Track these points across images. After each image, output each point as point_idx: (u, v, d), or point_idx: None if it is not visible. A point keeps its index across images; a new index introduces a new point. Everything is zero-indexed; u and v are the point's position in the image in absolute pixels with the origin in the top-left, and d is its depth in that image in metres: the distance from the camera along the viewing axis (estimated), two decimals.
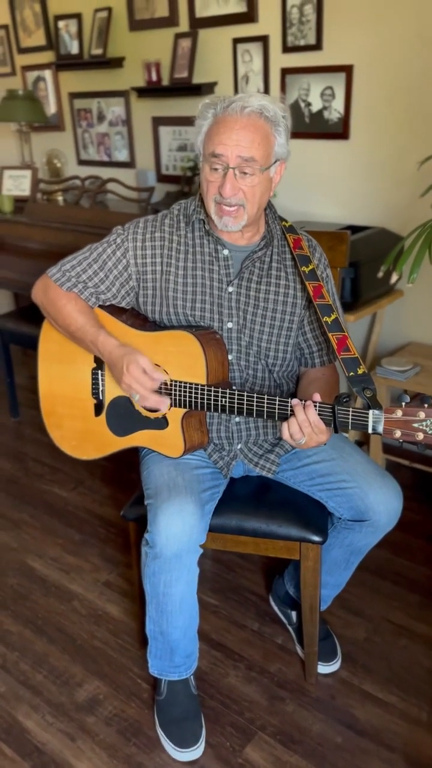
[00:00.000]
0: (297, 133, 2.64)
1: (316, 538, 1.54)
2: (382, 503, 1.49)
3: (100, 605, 2.02)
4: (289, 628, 1.89)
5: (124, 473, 2.70)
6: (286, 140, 1.44)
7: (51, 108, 3.59)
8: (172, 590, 1.48)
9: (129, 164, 3.34)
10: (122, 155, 3.36)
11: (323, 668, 1.75)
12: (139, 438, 1.58)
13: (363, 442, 2.74)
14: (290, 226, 1.57)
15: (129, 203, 3.00)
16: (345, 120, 2.48)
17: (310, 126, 2.59)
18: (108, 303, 1.58)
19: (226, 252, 1.52)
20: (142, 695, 1.71)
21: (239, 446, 1.61)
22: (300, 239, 1.55)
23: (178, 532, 1.39)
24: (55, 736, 1.61)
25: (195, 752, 1.56)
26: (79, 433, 1.68)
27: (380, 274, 1.66)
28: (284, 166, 1.50)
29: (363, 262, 2.20)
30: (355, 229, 2.46)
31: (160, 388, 1.47)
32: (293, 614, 1.88)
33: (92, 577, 2.14)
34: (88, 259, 1.55)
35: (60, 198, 3.30)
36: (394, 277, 1.59)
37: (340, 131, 2.51)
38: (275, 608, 1.96)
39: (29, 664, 1.81)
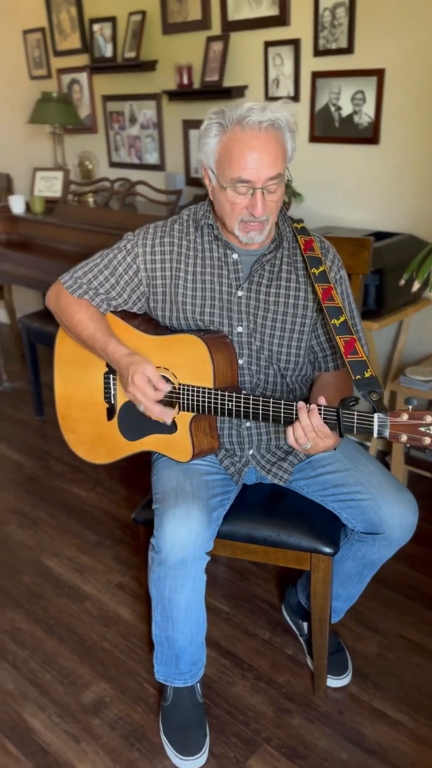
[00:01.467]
0: (326, 137, 2.61)
1: (327, 550, 1.51)
2: (396, 517, 1.46)
3: (112, 607, 2.02)
4: (300, 639, 1.86)
5: (142, 475, 2.70)
6: (294, 142, 1.42)
7: (85, 110, 3.62)
8: (177, 596, 1.47)
9: (159, 167, 3.35)
10: (152, 158, 3.37)
11: (333, 682, 1.72)
12: (149, 442, 1.57)
13: (387, 452, 2.69)
14: (302, 228, 1.55)
15: (157, 206, 3.01)
16: (375, 125, 2.45)
17: (340, 130, 2.56)
18: (120, 308, 1.58)
19: (235, 256, 1.50)
20: (149, 700, 1.71)
21: (251, 452, 1.60)
22: (312, 241, 1.52)
23: (183, 538, 1.38)
24: (60, 737, 1.61)
25: (198, 761, 1.54)
26: (92, 437, 1.68)
27: (402, 282, 1.62)
28: None
29: (388, 269, 2.17)
30: (382, 235, 2.42)
31: (170, 393, 1.47)
32: (305, 625, 1.85)
33: (105, 578, 2.15)
34: (99, 265, 1.55)
35: (90, 200, 3.33)
36: (416, 285, 1.55)
37: (370, 136, 2.48)
38: (287, 618, 1.93)
39: (38, 663, 1.82)
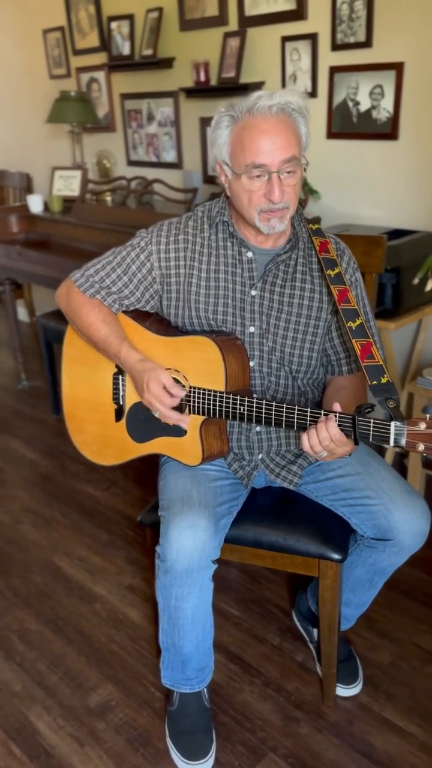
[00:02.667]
0: (344, 133, 2.57)
1: (336, 556, 1.48)
2: (406, 523, 1.42)
3: (122, 609, 2.01)
4: (310, 646, 1.83)
5: (156, 476, 2.67)
6: (307, 127, 1.38)
7: (103, 109, 3.61)
8: (183, 604, 1.44)
9: (176, 165, 3.33)
10: (170, 156, 3.35)
11: (342, 691, 1.68)
12: (158, 445, 1.55)
13: (405, 455, 2.64)
14: (317, 229, 1.51)
15: (174, 204, 2.98)
16: (394, 120, 2.39)
17: (357, 126, 2.51)
18: (132, 308, 1.56)
19: (250, 254, 1.47)
20: (155, 705, 1.69)
21: (260, 456, 1.57)
22: (327, 242, 1.48)
23: (188, 547, 1.36)
24: (64, 740, 1.60)
25: (204, 765, 1.52)
26: (100, 438, 1.66)
27: (416, 281, 1.57)
28: None
29: (406, 268, 2.11)
30: (400, 233, 2.37)
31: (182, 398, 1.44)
32: (315, 632, 1.81)
33: (116, 579, 2.13)
34: (111, 263, 1.53)
35: (108, 198, 3.32)
36: (429, 285, 1.50)
37: (388, 131, 2.42)
38: (297, 624, 1.90)
39: (46, 664, 1.81)
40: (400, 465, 2.62)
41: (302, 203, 2.65)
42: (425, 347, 2.53)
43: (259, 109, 1.31)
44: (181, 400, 1.45)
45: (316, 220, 2.67)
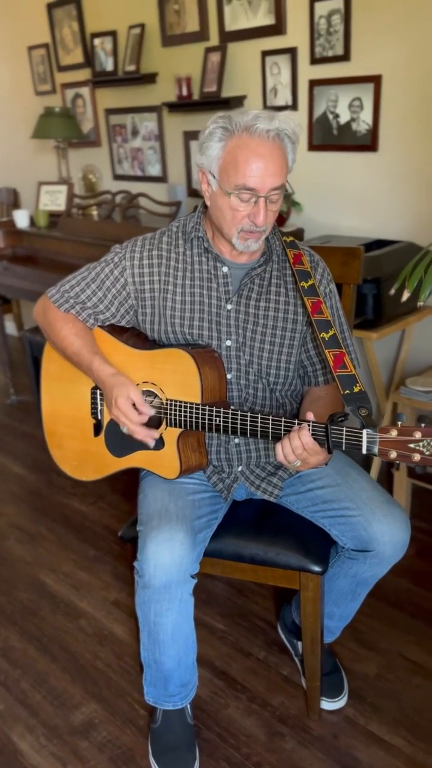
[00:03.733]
0: (325, 145, 2.58)
1: (316, 569, 1.47)
2: (386, 534, 1.41)
3: (107, 625, 1.99)
4: (296, 659, 1.81)
5: None
6: (295, 153, 1.39)
7: (88, 124, 3.63)
8: (163, 620, 1.43)
9: (161, 179, 3.35)
10: (155, 170, 3.37)
11: (327, 704, 1.67)
12: (137, 459, 1.55)
13: (391, 464, 2.63)
14: (291, 242, 1.52)
15: (159, 218, 3.00)
16: (373, 132, 2.41)
17: (338, 138, 2.53)
18: (108, 322, 1.56)
19: (225, 269, 1.48)
20: (138, 722, 1.67)
21: (240, 468, 1.56)
22: (301, 254, 1.49)
23: (166, 562, 1.35)
24: (47, 759, 1.58)
25: None
26: (79, 453, 1.66)
27: (392, 292, 1.58)
28: None
29: (386, 278, 2.12)
30: (382, 243, 2.38)
31: (157, 409, 1.44)
32: (299, 645, 1.80)
33: (102, 595, 2.12)
34: (86, 278, 1.53)
35: (94, 213, 3.33)
36: (405, 295, 1.51)
37: (368, 143, 2.44)
38: (282, 637, 1.88)
39: (30, 683, 1.79)
40: (387, 475, 2.61)
41: (285, 215, 2.66)
42: (409, 357, 2.54)
43: (257, 130, 1.30)
44: (159, 412, 1.45)
45: (299, 231, 2.69)
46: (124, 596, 2.10)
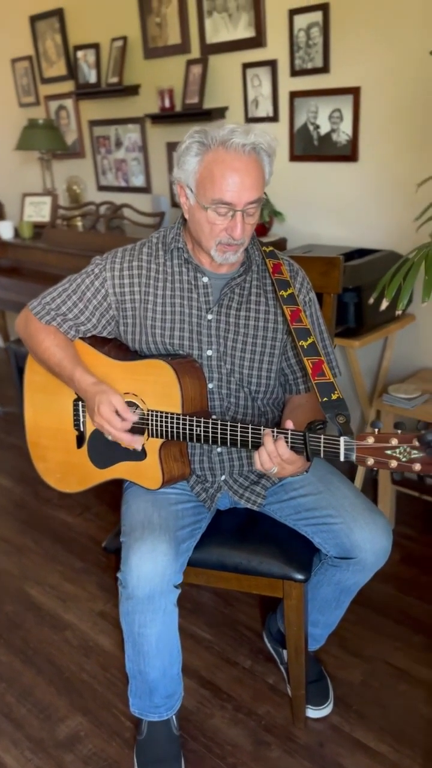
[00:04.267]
0: (306, 155, 2.61)
1: (299, 576, 1.47)
2: (368, 541, 1.42)
3: (93, 636, 1.99)
4: (281, 668, 1.82)
5: None
6: (272, 166, 1.40)
7: (72, 135, 3.65)
8: (147, 631, 1.43)
9: (145, 189, 3.37)
10: (139, 180, 3.39)
11: (313, 712, 1.67)
12: (119, 470, 1.55)
13: (376, 470, 2.65)
14: (271, 251, 1.53)
15: (143, 228, 3.01)
16: (353, 142, 2.44)
17: (318, 149, 2.56)
18: (89, 334, 1.56)
19: (205, 279, 1.49)
20: (124, 734, 1.66)
21: (223, 477, 1.57)
22: (280, 264, 1.51)
23: (149, 572, 1.35)
24: None
25: None
26: (63, 465, 1.66)
27: (371, 301, 1.60)
28: None
29: (367, 287, 2.14)
30: (363, 252, 2.40)
31: (139, 419, 1.45)
32: (285, 653, 1.80)
33: (88, 606, 2.11)
34: (67, 290, 1.54)
35: (79, 224, 3.34)
36: (384, 304, 1.53)
37: (348, 153, 2.47)
38: (268, 646, 1.89)
39: (15, 696, 1.79)
40: (373, 481, 2.63)
41: (267, 225, 2.69)
42: (392, 364, 2.56)
43: (233, 145, 1.31)
44: (141, 423, 1.45)
45: (282, 241, 2.71)
46: (111, 607, 2.10)
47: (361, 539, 1.42)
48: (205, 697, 1.76)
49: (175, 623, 1.47)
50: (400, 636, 1.92)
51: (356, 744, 1.60)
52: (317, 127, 2.53)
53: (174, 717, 1.58)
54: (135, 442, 1.43)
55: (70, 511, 2.64)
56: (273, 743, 1.61)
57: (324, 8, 2.35)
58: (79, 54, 3.38)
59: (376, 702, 1.71)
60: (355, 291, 2.14)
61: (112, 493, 2.70)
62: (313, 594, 1.59)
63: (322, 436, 1.24)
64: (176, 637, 1.50)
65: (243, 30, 2.63)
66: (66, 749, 1.63)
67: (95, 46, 3.28)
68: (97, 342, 1.57)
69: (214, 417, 1.51)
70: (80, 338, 1.57)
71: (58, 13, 3.40)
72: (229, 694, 1.76)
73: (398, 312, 1.47)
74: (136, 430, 1.45)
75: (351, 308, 2.17)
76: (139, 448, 1.45)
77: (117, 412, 1.40)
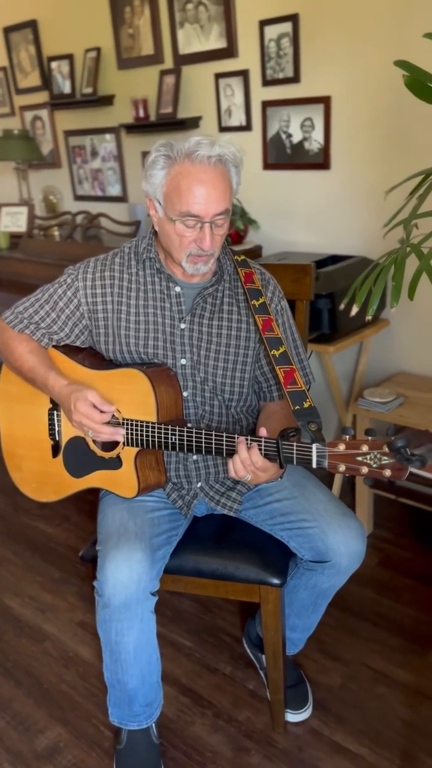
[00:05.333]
0: (279, 164, 2.64)
1: (275, 581, 1.48)
2: (342, 544, 1.44)
3: (72, 647, 1.98)
4: (261, 673, 1.82)
5: None
6: (239, 176, 1.42)
7: (48, 146, 3.65)
8: (124, 639, 1.43)
9: (121, 198, 3.38)
10: (115, 190, 3.40)
11: (292, 717, 1.68)
12: (95, 479, 1.55)
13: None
14: (243, 260, 1.55)
15: (120, 237, 3.02)
16: (325, 150, 2.47)
17: (291, 157, 2.59)
18: (62, 342, 1.57)
19: (177, 289, 1.50)
20: (104, 744, 1.66)
21: (199, 484, 1.58)
22: (252, 273, 1.52)
23: (125, 580, 1.35)
24: None
25: None
26: (38, 475, 1.66)
27: (342, 307, 1.62)
28: None
29: (340, 293, 2.17)
30: (337, 258, 2.43)
31: (111, 422, 1.45)
32: (264, 658, 1.80)
33: (67, 616, 2.10)
34: (40, 300, 1.55)
35: (56, 233, 3.34)
36: (354, 309, 1.54)
37: (321, 161, 2.50)
38: (248, 651, 1.89)
39: None
40: (351, 485, 2.64)
41: (242, 233, 2.71)
42: (368, 369, 2.59)
43: (198, 157, 1.33)
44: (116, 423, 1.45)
45: (257, 248, 2.73)
46: (90, 617, 2.09)
47: (335, 543, 1.43)
48: (186, 704, 1.76)
49: (152, 631, 1.47)
50: (379, 639, 1.94)
51: (335, 747, 1.61)
52: (290, 135, 2.56)
53: (154, 725, 1.58)
54: (117, 434, 1.42)
55: (49, 522, 2.63)
56: (253, 749, 1.62)
57: (293, 19, 2.38)
58: (53, 65, 3.39)
59: (355, 705, 1.73)
60: (329, 297, 2.17)
61: (92, 503, 2.68)
62: (290, 598, 1.60)
63: (295, 444, 1.25)
64: (154, 645, 1.50)
65: (215, 41, 2.66)
66: (45, 761, 1.62)
67: (69, 57, 3.30)
68: (72, 351, 1.58)
69: (189, 425, 1.52)
70: (55, 347, 1.57)
71: (32, 25, 3.41)
72: (210, 700, 1.76)
73: (368, 318, 1.48)
74: (115, 425, 1.45)
75: (325, 314, 2.19)
76: (122, 439, 1.44)
77: (94, 406, 1.40)
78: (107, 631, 1.44)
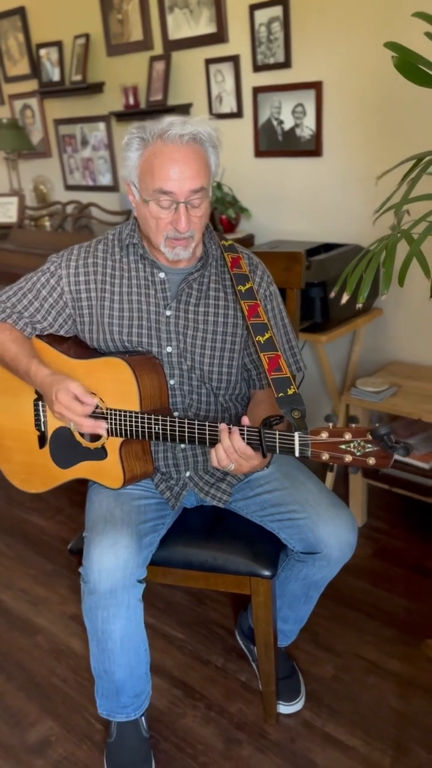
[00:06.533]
0: (271, 151, 2.61)
1: (266, 573, 1.47)
2: (332, 536, 1.42)
3: (64, 639, 1.96)
4: (253, 665, 1.81)
5: None
6: (218, 157, 1.40)
7: (38, 135, 3.61)
8: (110, 627, 1.41)
9: (113, 188, 3.34)
10: (106, 179, 3.36)
11: (284, 708, 1.67)
12: (81, 470, 1.53)
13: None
14: (230, 245, 1.52)
15: (111, 227, 2.98)
16: (317, 137, 2.44)
17: (283, 144, 2.55)
18: (46, 332, 1.54)
19: (162, 275, 1.47)
20: (95, 737, 1.65)
21: (188, 474, 1.56)
22: (239, 258, 1.50)
23: (111, 566, 1.34)
24: None
25: None
26: (26, 466, 1.64)
27: (332, 295, 1.59)
28: None
29: (332, 281, 2.14)
30: (330, 246, 2.41)
31: (94, 413, 1.42)
32: (256, 650, 1.79)
33: (59, 609, 2.09)
34: (23, 288, 1.52)
35: (47, 224, 3.30)
36: (344, 298, 1.52)
37: (312, 148, 2.47)
38: (240, 643, 1.88)
39: None
40: (345, 475, 2.63)
41: (233, 221, 2.68)
42: (361, 358, 2.56)
43: (170, 136, 1.31)
44: (98, 416, 1.43)
45: (250, 237, 2.70)
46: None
47: (325, 534, 1.42)
48: (177, 697, 1.74)
49: (140, 620, 1.45)
50: (372, 630, 1.93)
51: (327, 738, 1.60)
52: (281, 122, 2.53)
53: (143, 718, 1.57)
54: (98, 427, 1.40)
55: (42, 514, 2.61)
56: (244, 741, 1.61)
57: (284, 2, 2.34)
58: (42, 52, 3.34)
59: (347, 696, 1.71)
60: (321, 286, 2.14)
61: (85, 495, 2.67)
62: (281, 590, 1.58)
63: (277, 432, 1.23)
64: (142, 635, 1.48)
65: (204, 26, 2.62)
66: (36, 754, 1.61)
67: (58, 44, 3.25)
68: (56, 340, 1.55)
69: (176, 414, 1.50)
70: (38, 337, 1.54)
71: (20, 12, 3.36)
72: (201, 693, 1.75)
73: (358, 306, 1.46)
74: (98, 418, 1.43)
75: (317, 303, 2.17)
76: (103, 432, 1.42)
77: (76, 398, 1.38)
78: (93, 619, 1.42)
